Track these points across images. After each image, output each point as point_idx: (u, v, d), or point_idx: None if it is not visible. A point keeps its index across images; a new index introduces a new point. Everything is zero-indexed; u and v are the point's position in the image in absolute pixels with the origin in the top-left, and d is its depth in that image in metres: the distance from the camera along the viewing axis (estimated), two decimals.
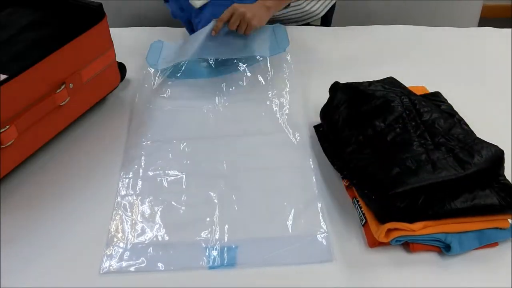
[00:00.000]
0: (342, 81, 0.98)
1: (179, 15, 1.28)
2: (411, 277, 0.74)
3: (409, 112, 0.86)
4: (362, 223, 0.79)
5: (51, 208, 0.84)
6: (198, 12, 1.20)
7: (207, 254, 0.76)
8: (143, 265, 0.75)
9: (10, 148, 0.83)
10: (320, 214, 0.82)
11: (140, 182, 0.88)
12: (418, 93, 0.95)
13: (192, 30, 1.25)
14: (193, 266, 0.75)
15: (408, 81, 0.97)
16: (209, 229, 0.79)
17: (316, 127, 0.97)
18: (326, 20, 1.47)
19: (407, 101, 0.88)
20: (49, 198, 0.86)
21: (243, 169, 0.90)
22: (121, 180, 0.88)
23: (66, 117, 0.96)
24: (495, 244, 0.78)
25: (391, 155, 0.79)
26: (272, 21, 1.29)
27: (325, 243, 0.78)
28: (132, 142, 0.96)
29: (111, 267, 0.74)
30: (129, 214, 0.82)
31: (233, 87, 1.10)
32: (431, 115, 0.85)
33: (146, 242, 0.78)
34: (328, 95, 0.98)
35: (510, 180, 0.79)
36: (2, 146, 0.82)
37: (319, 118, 0.98)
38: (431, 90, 1.01)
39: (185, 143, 0.95)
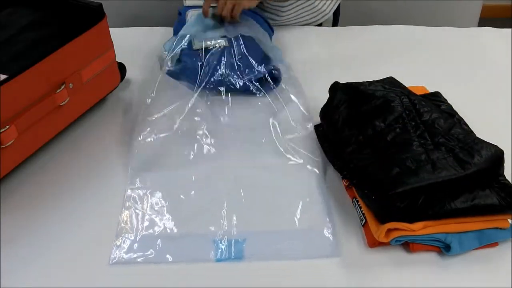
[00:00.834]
0: (342, 81, 0.98)
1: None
2: (411, 277, 0.74)
3: (409, 112, 0.86)
4: (362, 223, 0.79)
5: (51, 208, 0.84)
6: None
7: (214, 247, 0.77)
8: (151, 256, 0.76)
9: (10, 148, 0.83)
10: (326, 210, 0.83)
11: (148, 177, 0.88)
12: (418, 93, 0.95)
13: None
14: (200, 259, 0.76)
15: (408, 81, 0.97)
16: (217, 223, 0.80)
17: (316, 127, 0.97)
18: (335, 20, 1.47)
19: (407, 101, 0.88)
20: (49, 198, 0.86)
21: (251, 165, 0.91)
22: (129, 175, 0.88)
23: (66, 117, 0.96)
24: (495, 244, 0.78)
25: (391, 155, 0.79)
26: (286, 25, 1.31)
27: (331, 238, 0.78)
28: (140, 136, 0.96)
29: (120, 258, 0.75)
30: (139, 207, 0.83)
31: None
32: (431, 115, 0.85)
33: (155, 234, 0.79)
34: (328, 95, 0.98)
35: (510, 180, 0.79)
36: (2, 146, 0.82)
37: (318, 118, 0.98)
38: (431, 90, 1.01)
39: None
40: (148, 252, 0.76)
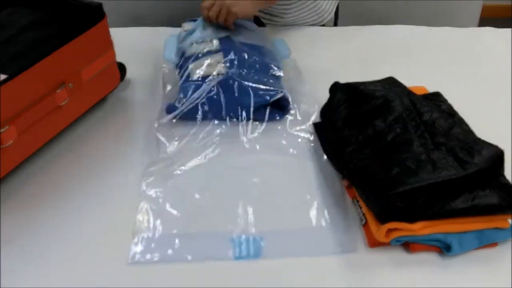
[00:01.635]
0: (342, 81, 0.98)
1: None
2: (411, 277, 0.74)
3: (409, 112, 0.86)
4: (362, 223, 0.79)
5: (51, 208, 0.84)
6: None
7: (232, 245, 0.77)
8: (170, 255, 0.76)
9: (10, 148, 0.83)
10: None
11: (162, 177, 0.89)
12: (418, 93, 0.95)
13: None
14: (219, 257, 0.76)
15: (408, 81, 0.97)
16: (234, 221, 0.81)
17: (315, 125, 0.97)
18: (335, 20, 1.48)
19: (407, 101, 0.88)
20: (49, 198, 0.86)
21: (265, 163, 0.92)
22: (144, 175, 0.89)
23: (66, 117, 0.96)
24: (495, 244, 0.78)
25: (391, 155, 0.79)
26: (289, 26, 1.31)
27: (346, 235, 0.79)
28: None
29: (139, 258, 0.75)
30: (154, 206, 0.83)
31: None
32: (431, 115, 0.85)
33: (172, 232, 0.79)
34: (328, 95, 0.98)
35: (510, 180, 0.79)
36: (2, 146, 0.82)
37: (318, 118, 0.98)
38: (431, 90, 1.01)
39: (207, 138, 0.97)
40: (168, 252, 0.76)
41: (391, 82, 0.95)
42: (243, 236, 0.78)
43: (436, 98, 0.96)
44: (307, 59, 1.21)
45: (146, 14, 1.74)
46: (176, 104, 0.98)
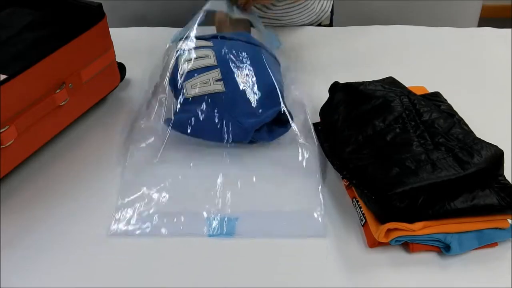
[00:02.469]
0: (342, 81, 0.98)
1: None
2: (411, 277, 0.74)
3: (408, 112, 0.86)
4: (362, 223, 0.79)
5: (51, 208, 0.84)
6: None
7: (208, 223, 0.81)
8: (148, 230, 0.80)
9: (10, 148, 0.84)
10: (321, 195, 0.85)
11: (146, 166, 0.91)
12: (418, 93, 0.95)
13: None
14: (194, 233, 0.80)
15: (408, 81, 0.97)
16: (212, 202, 0.84)
17: (315, 125, 0.97)
18: (331, 18, 1.48)
19: (406, 101, 0.88)
20: (50, 198, 0.86)
21: (248, 148, 0.93)
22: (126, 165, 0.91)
23: (66, 117, 0.96)
24: (495, 244, 0.78)
25: (390, 155, 0.79)
26: (286, 27, 1.30)
27: (320, 220, 0.81)
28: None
29: (118, 230, 0.80)
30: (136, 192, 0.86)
31: None
32: (431, 115, 0.85)
33: (151, 210, 0.83)
34: (327, 95, 0.98)
35: (510, 180, 0.79)
36: (2, 146, 0.82)
37: (318, 118, 0.98)
38: (431, 90, 1.01)
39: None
40: (145, 226, 0.80)
41: (390, 82, 0.95)
42: (219, 215, 0.82)
43: (436, 98, 0.96)
44: (307, 59, 1.21)
45: (146, 14, 1.74)
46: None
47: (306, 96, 1.04)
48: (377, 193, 0.76)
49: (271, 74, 0.96)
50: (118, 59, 1.05)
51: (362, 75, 0.99)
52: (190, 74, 0.94)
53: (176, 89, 0.95)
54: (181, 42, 1.00)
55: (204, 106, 0.91)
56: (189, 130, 0.91)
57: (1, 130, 0.81)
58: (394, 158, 0.78)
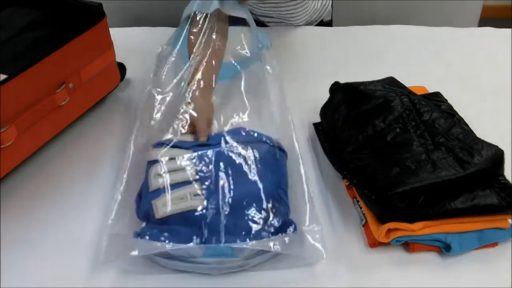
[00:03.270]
0: (342, 81, 0.98)
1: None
2: (411, 277, 0.74)
3: (409, 112, 0.86)
4: (362, 223, 0.79)
5: (51, 208, 0.84)
6: None
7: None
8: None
9: (10, 148, 0.83)
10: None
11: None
12: (418, 93, 0.95)
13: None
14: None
15: (408, 81, 0.97)
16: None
17: (316, 125, 0.97)
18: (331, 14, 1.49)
19: (407, 101, 0.88)
20: (49, 198, 0.86)
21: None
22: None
23: (66, 117, 0.96)
24: (495, 244, 0.78)
25: (390, 155, 0.79)
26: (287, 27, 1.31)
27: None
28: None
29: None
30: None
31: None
32: (431, 115, 0.85)
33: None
34: (328, 95, 0.98)
35: (510, 180, 0.79)
36: (2, 146, 0.82)
37: (318, 118, 0.98)
38: (431, 90, 1.01)
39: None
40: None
41: (391, 82, 0.95)
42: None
43: (436, 98, 0.96)
44: (306, 59, 1.21)
45: (146, 14, 1.74)
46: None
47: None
48: (377, 193, 0.76)
49: (259, 184, 0.79)
50: (118, 59, 1.05)
51: (362, 75, 0.99)
52: (162, 190, 0.78)
53: (142, 209, 0.78)
54: (156, 150, 0.85)
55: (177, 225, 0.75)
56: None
57: (1, 130, 0.81)
58: (394, 158, 0.78)
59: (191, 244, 0.72)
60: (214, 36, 1.03)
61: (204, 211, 0.75)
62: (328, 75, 1.05)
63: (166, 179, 0.79)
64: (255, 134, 0.90)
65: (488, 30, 1.34)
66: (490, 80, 1.15)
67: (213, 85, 0.99)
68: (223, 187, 0.78)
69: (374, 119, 0.85)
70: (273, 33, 1.25)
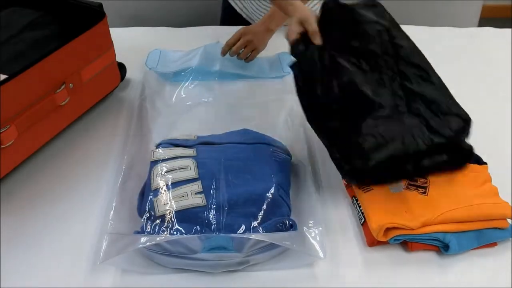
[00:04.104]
0: None
1: None
2: (410, 276, 0.74)
3: (387, 58, 0.85)
4: (361, 222, 0.79)
5: (51, 208, 0.84)
6: None
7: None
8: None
9: (10, 148, 0.84)
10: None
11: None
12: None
13: None
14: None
15: None
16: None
17: (292, 67, 0.89)
18: None
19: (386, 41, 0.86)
20: (50, 197, 0.86)
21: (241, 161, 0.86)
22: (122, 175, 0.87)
23: (66, 117, 0.96)
24: (494, 244, 0.78)
25: (361, 122, 0.79)
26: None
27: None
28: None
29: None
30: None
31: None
32: (418, 85, 0.83)
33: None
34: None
35: (510, 180, 0.79)
36: (2, 146, 0.82)
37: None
38: None
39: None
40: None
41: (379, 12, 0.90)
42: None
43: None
44: None
45: (146, 14, 1.74)
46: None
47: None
48: (349, 161, 0.78)
49: (259, 184, 0.80)
50: (118, 59, 1.05)
51: None
52: (164, 188, 0.79)
53: (143, 206, 0.78)
54: (159, 149, 0.86)
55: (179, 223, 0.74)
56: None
57: (1, 130, 0.81)
58: (365, 127, 0.78)
59: (190, 235, 0.72)
60: None
61: (204, 209, 0.75)
62: None
63: (168, 178, 0.80)
64: (258, 135, 0.91)
65: (488, 30, 1.34)
66: (490, 80, 1.15)
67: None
68: (224, 185, 0.80)
69: (353, 42, 0.84)
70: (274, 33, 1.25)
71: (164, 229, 0.74)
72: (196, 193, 0.78)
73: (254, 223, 0.75)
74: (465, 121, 0.80)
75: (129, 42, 1.22)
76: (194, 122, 1.01)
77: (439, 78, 0.86)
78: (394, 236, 0.74)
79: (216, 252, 0.72)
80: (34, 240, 0.79)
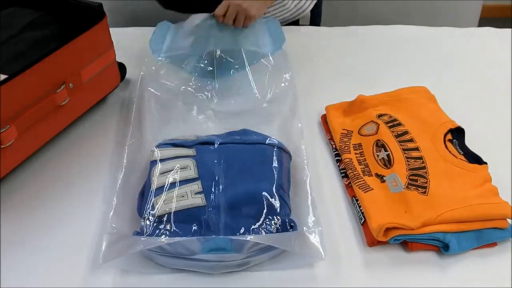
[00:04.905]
0: (342, 82, 0.97)
1: None
2: (410, 276, 0.74)
3: None
4: (361, 222, 0.79)
5: (51, 208, 0.85)
6: None
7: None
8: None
9: (10, 148, 0.84)
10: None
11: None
12: (420, 94, 0.94)
13: None
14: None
15: (408, 82, 0.97)
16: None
17: None
18: (316, 18, 1.47)
19: None
20: (50, 198, 0.86)
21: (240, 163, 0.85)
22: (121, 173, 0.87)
23: (66, 117, 0.96)
24: (494, 244, 0.78)
25: None
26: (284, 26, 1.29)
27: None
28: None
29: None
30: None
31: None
32: None
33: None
34: (330, 96, 0.97)
35: (511, 181, 0.79)
36: (2, 146, 0.82)
37: (316, 119, 0.98)
38: (431, 90, 1.01)
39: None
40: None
41: None
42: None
43: None
44: (305, 59, 1.21)
45: (146, 14, 1.74)
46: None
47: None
48: None
49: (259, 184, 0.80)
50: (118, 59, 1.05)
51: (361, 75, 0.99)
52: (163, 188, 0.79)
53: (143, 206, 0.78)
54: (159, 149, 0.86)
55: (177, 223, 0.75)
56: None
57: (1, 130, 0.81)
58: None
59: (189, 237, 0.72)
60: None
61: (204, 209, 0.76)
62: (327, 75, 1.05)
63: (168, 178, 0.80)
64: (258, 135, 0.91)
65: (488, 30, 1.34)
66: (490, 80, 1.15)
67: None
68: (223, 185, 0.80)
69: None
70: None
71: (164, 229, 0.74)
72: (196, 193, 0.78)
73: (254, 223, 0.75)
74: None
75: (129, 42, 1.22)
76: (194, 122, 1.00)
77: None
78: (394, 236, 0.74)
79: (215, 253, 0.72)
80: (34, 240, 0.79)
